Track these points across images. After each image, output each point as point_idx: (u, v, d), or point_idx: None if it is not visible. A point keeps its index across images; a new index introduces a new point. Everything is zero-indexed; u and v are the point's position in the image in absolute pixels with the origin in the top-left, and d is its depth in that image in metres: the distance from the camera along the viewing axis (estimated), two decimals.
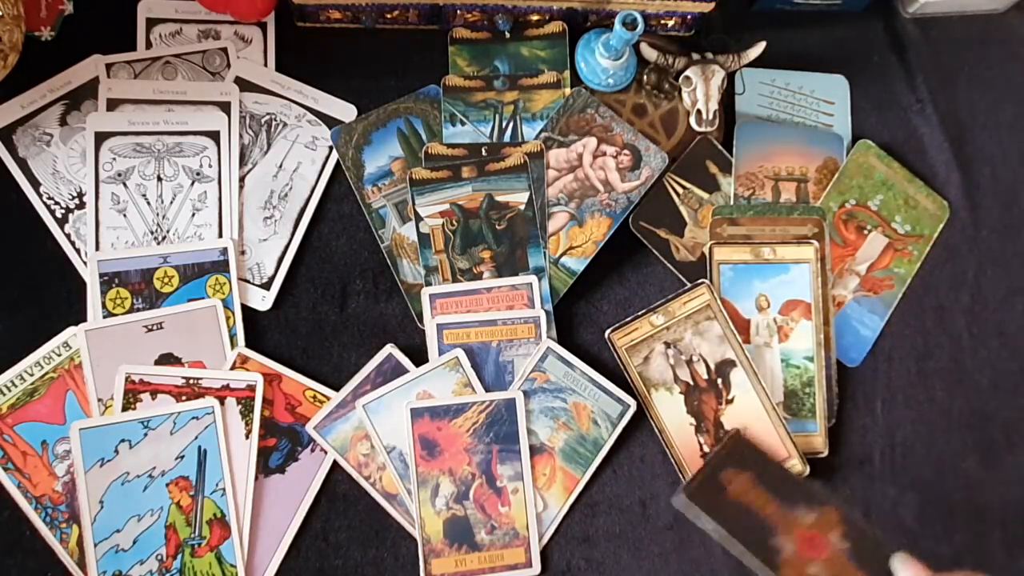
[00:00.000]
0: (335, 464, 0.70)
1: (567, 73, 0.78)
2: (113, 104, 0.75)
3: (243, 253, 0.74)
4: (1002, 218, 0.81)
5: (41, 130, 0.74)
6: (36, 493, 0.67)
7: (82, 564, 0.66)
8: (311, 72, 0.78)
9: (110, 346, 0.69)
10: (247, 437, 0.69)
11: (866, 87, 0.82)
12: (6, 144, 0.73)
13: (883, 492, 0.74)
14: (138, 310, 0.71)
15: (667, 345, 0.73)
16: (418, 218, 0.74)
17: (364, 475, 0.69)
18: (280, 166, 0.76)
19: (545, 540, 0.70)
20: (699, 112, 0.77)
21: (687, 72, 0.77)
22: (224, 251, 0.72)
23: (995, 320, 0.78)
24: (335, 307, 0.74)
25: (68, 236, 0.72)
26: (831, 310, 0.75)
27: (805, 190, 0.78)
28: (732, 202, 0.77)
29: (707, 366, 0.73)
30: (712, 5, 0.77)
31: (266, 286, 0.73)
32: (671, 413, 0.72)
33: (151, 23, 0.77)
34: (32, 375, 0.69)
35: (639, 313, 0.73)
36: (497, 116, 0.77)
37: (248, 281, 0.73)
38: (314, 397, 0.71)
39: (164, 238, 0.73)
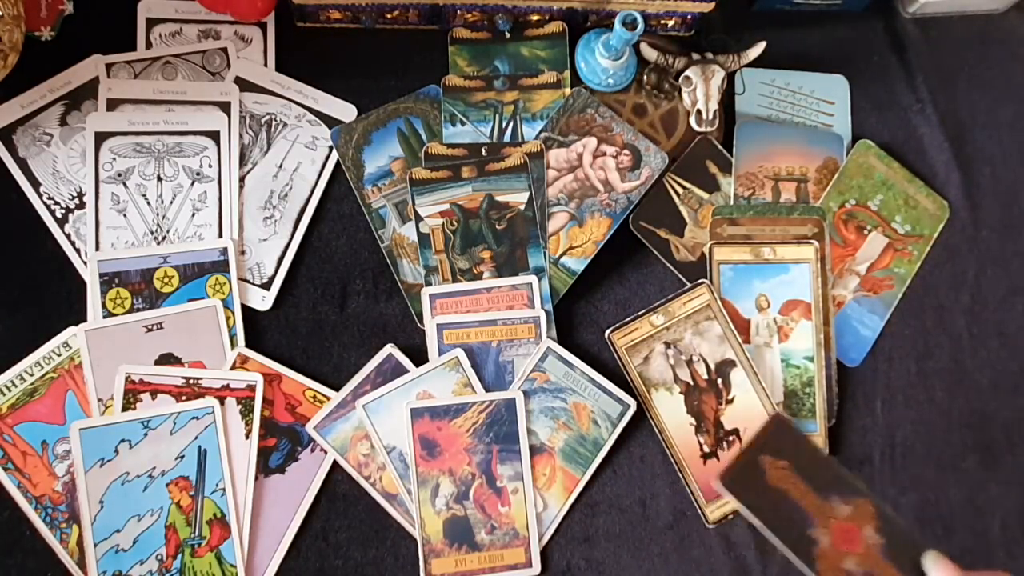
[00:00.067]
0: (335, 464, 0.70)
1: (567, 73, 0.78)
2: (113, 104, 0.75)
3: (243, 253, 0.74)
4: (1002, 218, 0.81)
5: (41, 130, 0.74)
6: (36, 493, 0.67)
7: (82, 564, 0.66)
8: (311, 72, 0.78)
9: (110, 346, 0.69)
10: (247, 437, 0.69)
11: (866, 87, 0.82)
12: (6, 144, 0.73)
13: (883, 492, 0.74)
14: (138, 310, 0.71)
15: (667, 345, 0.73)
16: (418, 218, 0.74)
17: (364, 475, 0.69)
18: (280, 166, 0.76)
19: (545, 540, 0.70)
20: (699, 112, 0.77)
21: (687, 72, 0.77)
22: (224, 251, 0.72)
23: (995, 320, 0.78)
24: (335, 307, 0.74)
25: (68, 236, 0.72)
26: (831, 310, 0.75)
27: (805, 190, 0.78)
28: (732, 202, 0.77)
29: (707, 366, 0.73)
30: (712, 5, 0.77)
31: (266, 286, 0.73)
32: (671, 413, 0.72)
33: (151, 23, 0.77)
34: (32, 375, 0.69)
35: (639, 313, 0.73)
36: (497, 116, 0.77)
37: (248, 281, 0.73)
38: (314, 397, 0.71)
39: (164, 238, 0.73)
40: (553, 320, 0.73)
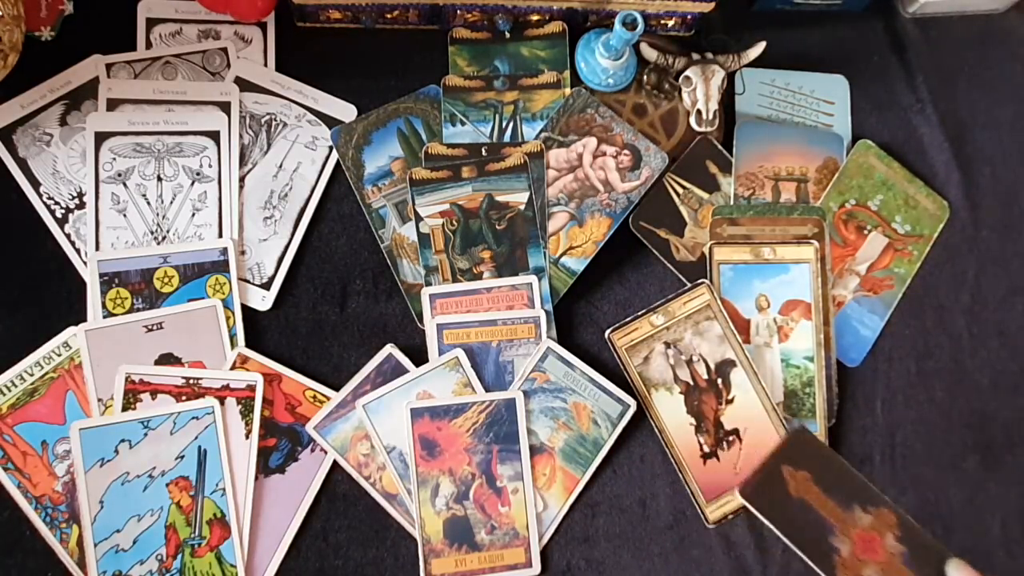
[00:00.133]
0: (335, 464, 0.70)
1: (567, 73, 0.78)
2: (113, 104, 0.75)
3: (243, 253, 0.74)
4: (1002, 218, 0.81)
5: (41, 130, 0.74)
6: (36, 493, 0.67)
7: (82, 564, 0.66)
8: (311, 72, 0.78)
9: (110, 346, 0.69)
10: (247, 437, 0.69)
11: (866, 87, 0.82)
12: (6, 144, 0.73)
13: (883, 492, 0.73)
14: (138, 310, 0.70)
15: (667, 345, 0.73)
16: (418, 218, 0.74)
17: (364, 475, 0.69)
18: (280, 166, 0.76)
19: (545, 540, 0.70)
20: (699, 112, 0.77)
21: (687, 72, 0.77)
22: (224, 251, 0.72)
23: (995, 320, 0.78)
24: (335, 307, 0.74)
25: (68, 236, 0.72)
26: (831, 310, 0.75)
27: (805, 190, 0.78)
28: (732, 202, 0.77)
29: (707, 366, 0.73)
30: (712, 5, 0.77)
31: (266, 286, 0.73)
32: (671, 413, 0.72)
33: (151, 23, 0.77)
34: (32, 375, 0.69)
35: (639, 313, 0.73)
36: (497, 116, 0.77)
37: (248, 281, 0.73)
38: (314, 397, 0.71)
39: (164, 238, 0.73)
40: (553, 320, 0.73)
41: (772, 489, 0.65)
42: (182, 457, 0.68)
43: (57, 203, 0.72)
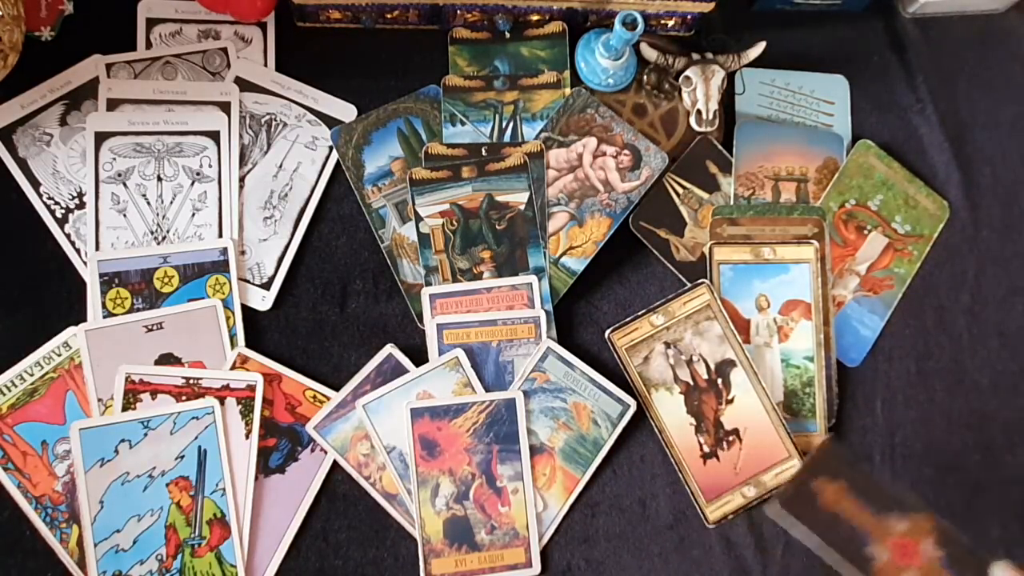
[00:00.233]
0: (335, 464, 0.70)
1: (567, 73, 0.78)
2: (113, 104, 0.75)
3: (243, 253, 0.74)
4: (1002, 218, 0.81)
5: (41, 130, 0.74)
6: (36, 493, 0.67)
7: (82, 564, 0.66)
8: (311, 72, 0.78)
9: (110, 346, 0.69)
10: (247, 437, 0.69)
11: (866, 87, 0.82)
12: (6, 144, 0.73)
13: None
14: (138, 310, 0.70)
15: (667, 345, 0.73)
16: (418, 218, 0.74)
17: (364, 475, 0.69)
18: (280, 166, 0.76)
19: (545, 540, 0.70)
20: (699, 112, 0.77)
21: (687, 72, 0.77)
22: (224, 251, 0.72)
23: (995, 320, 0.78)
24: (335, 307, 0.74)
25: (68, 236, 0.72)
26: (831, 310, 0.75)
27: (805, 190, 0.78)
28: (732, 202, 0.77)
29: (707, 366, 0.73)
30: (712, 5, 0.77)
31: (266, 286, 0.73)
32: (671, 413, 0.72)
33: (151, 23, 0.77)
34: (32, 375, 0.69)
35: (639, 313, 0.73)
36: (497, 116, 0.77)
37: (248, 281, 0.73)
38: (314, 397, 0.71)
39: (164, 238, 0.73)
40: (553, 320, 0.73)
41: (806, 501, 0.65)
42: (182, 457, 0.68)
43: (57, 203, 0.72)
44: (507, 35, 0.79)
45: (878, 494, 0.66)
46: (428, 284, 0.73)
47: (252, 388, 0.70)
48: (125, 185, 0.73)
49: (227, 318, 0.71)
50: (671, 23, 0.81)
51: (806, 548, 0.71)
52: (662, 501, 0.72)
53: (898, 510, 0.65)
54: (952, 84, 0.84)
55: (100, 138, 0.73)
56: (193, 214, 0.73)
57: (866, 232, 0.78)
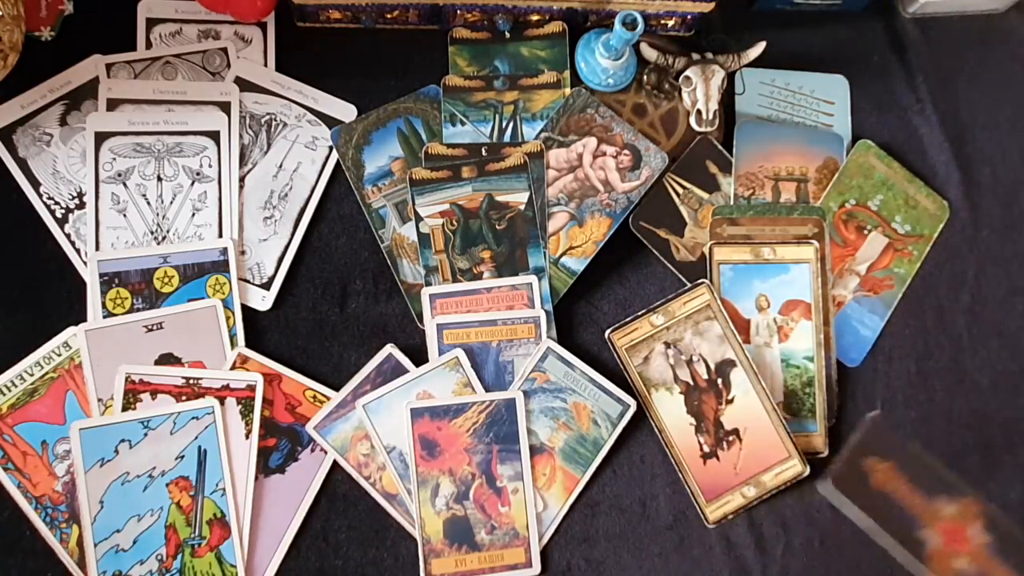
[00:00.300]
0: (335, 464, 0.70)
1: (567, 73, 0.78)
2: (113, 104, 0.75)
3: (243, 253, 0.74)
4: (1002, 218, 0.81)
5: (41, 130, 0.74)
6: (36, 493, 0.67)
7: (82, 564, 0.66)
8: (311, 72, 0.78)
9: (110, 346, 0.69)
10: (247, 437, 0.69)
11: (866, 87, 0.82)
12: (6, 144, 0.73)
13: None
14: (138, 310, 0.70)
15: (667, 345, 0.73)
16: (418, 218, 0.74)
17: (364, 475, 0.69)
18: (280, 166, 0.76)
19: (545, 540, 0.70)
20: (699, 112, 0.77)
21: (687, 72, 0.77)
22: (224, 251, 0.72)
23: (995, 320, 0.78)
24: (335, 307, 0.74)
25: (68, 236, 0.72)
26: (831, 310, 0.75)
27: (805, 190, 0.78)
28: (732, 202, 0.77)
29: (707, 366, 0.73)
30: (712, 5, 0.77)
31: (266, 286, 0.73)
32: (671, 413, 0.72)
33: (151, 23, 0.77)
34: (32, 375, 0.69)
35: (639, 313, 0.73)
36: (497, 116, 0.77)
37: (248, 281, 0.73)
38: (314, 397, 0.71)
39: (164, 238, 0.73)
40: (553, 320, 0.73)
41: (857, 480, 0.65)
42: (182, 457, 0.68)
43: (57, 203, 0.72)
44: (507, 35, 0.79)
45: (926, 475, 0.66)
46: (428, 284, 0.73)
47: (252, 388, 0.70)
48: (125, 185, 0.73)
49: (227, 318, 0.71)
50: (671, 23, 0.81)
51: (806, 548, 0.71)
52: (662, 501, 0.72)
53: (946, 493, 0.65)
54: (952, 84, 0.84)
55: (100, 138, 0.73)
56: (193, 214, 0.73)
57: (866, 232, 0.78)
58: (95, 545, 0.66)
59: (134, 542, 0.66)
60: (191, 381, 0.69)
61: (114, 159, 0.73)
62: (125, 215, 0.73)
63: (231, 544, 0.67)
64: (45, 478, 0.67)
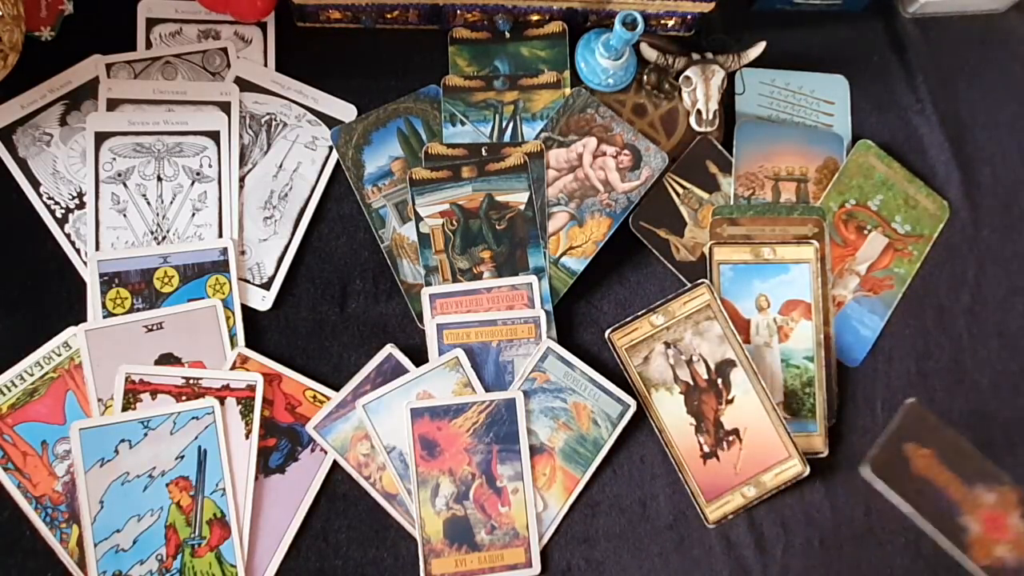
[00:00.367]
0: (335, 464, 0.70)
1: (567, 73, 0.78)
2: (113, 104, 0.75)
3: (243, 253, 0.74)
4: (1002, 218, 0.81)
5: (41, 130, 0.74)
6: (36, 493, 0.67)
7: (82, 564, 0.66)
8: (311, 72, 0.78)
9: (110, 346, 0.69)
10: (247, 437, 0.69)
11: (866, 87, 0.82)
12: (6, 144, 0.73)
13: None
14: (138, 310, 0.70)
15: (667, 345, 0.73)
16: (418, 218, 0.74)
17: (364, 475, 0.69)
18: (280, 166, 0.76)
19: (545, 540, 0.70)
20: (699, 112, 0.77)
21: (687, 72, 0.77)
22: (224, 251, 0.72)
23: (995, 320, 0.78)
24: (335, 307, 0.74)
25: (68, 236, 0.72)
26: (831, 310, 0.75)
27: (805, 190, 0.78)
28: (732, 202, 0.77)
29: (707, 366, 0.73)
30: (712, 5, 0.77)
31: (266, 286, 0.73)
32: (671, 413, 0.72)
33: (151, 23, 0.77)
34: (32, 375, 0.69)
35: (639, 313, 0.73)
36: (497, 116, 0.77)
37: (248, 281, 0.73)
38: (314, 397, 0.71)
39: (164, 238, 0.73)
40: (553, 320, 0.73)
41: (897, 466, 0.65)
42: (182, 457, 0.68)
43: (57, 203, 0.72)
44: (507, 35, 0.79)
45: (965, 462, 0.66)
46: (428, 284, 0.73)
47: (252, 388, 0.70)
48: (125, 185, 0.73)
49: (227, 318, 0.71)
50: (671, 23, 0.81)
51: (806, 548, 0.71)
52: (662, 501, 0.72)
53: (985, 481, 0.65)
54: (952, 84, 0.84)
55: (100, 138, 0.73)
56: (193, 214, 0.73)
57: (866, 232, 0.78)
58: (95, 545, 0.66)
59: (134, 542, 0.66)
60: (191, 381, 0.69)
61: (114, 159, 0.73)
62: (125, 215, 0.73)
63: (231, 544, 0.67)
64: (45, 478, 0.67)
